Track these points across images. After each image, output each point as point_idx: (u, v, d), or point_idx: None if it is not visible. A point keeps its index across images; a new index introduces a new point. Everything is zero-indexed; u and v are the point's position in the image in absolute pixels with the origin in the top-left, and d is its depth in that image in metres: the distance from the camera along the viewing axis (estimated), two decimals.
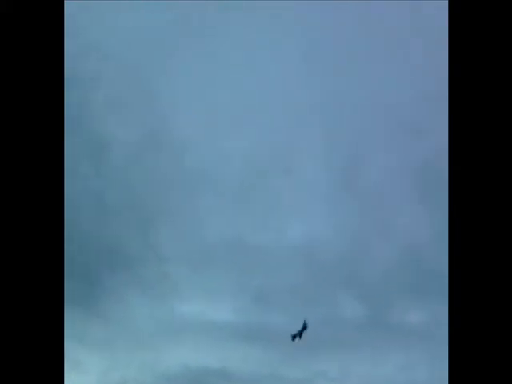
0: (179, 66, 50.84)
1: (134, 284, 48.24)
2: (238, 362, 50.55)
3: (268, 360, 52.69)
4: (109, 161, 49.33)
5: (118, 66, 49.14)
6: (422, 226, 71.89)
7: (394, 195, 72.05)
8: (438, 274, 69.27)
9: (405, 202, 72.60)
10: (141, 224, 49.68)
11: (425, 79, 56.95)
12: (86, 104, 47.39)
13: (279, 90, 53.52)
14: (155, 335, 47.37)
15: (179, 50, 50.01)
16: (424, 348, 69.08)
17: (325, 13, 49.76)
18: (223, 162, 53.01)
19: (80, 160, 46.38)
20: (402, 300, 73.12)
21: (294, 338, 39.61)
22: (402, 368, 65.58)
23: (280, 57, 53.00)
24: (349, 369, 71.21)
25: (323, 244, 72.18)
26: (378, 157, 68.37)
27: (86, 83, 46.90)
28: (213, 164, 52.04)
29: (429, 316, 74.31)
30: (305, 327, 39.27)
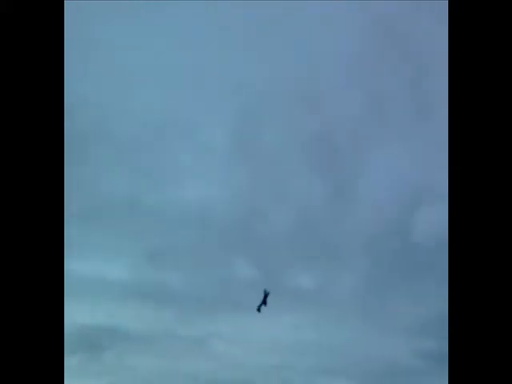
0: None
1: None
2: (132, 320, 50.59)
3: (162, 319, 53.01)
4: None
5: None
6: (315, 192, 74.61)
7: (288, 162, 74.09)
8: (330, 239, 72.44)
9: (299, 168, 74.91)
10: None
11: (319, 54, 58.83)
12: None
13: (188, 55, 53.29)
14: None
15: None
16: (313, 310, 72.22)
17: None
18: (122, 120, 52.21)
19: None
20: (295, 263, 75.69)
21: (259, 309, 40.12)
22: (292, 329, 68.39)
23: (193, 24, 52.92)
24: (242, 329, 73.16)
25: (219, 206, 73.03)
26: (275, 124, 69.88)
27: None
28: (111, 121, 51.11)
29: (320, 280, 77.57)
30: (266, 295, 39.88)
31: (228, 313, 69.20)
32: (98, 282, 48.73)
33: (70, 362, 44.82)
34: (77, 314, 46.06)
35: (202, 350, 59.87)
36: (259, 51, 58.34)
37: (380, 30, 60.65)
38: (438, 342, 69.04)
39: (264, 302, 39.61)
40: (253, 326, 70.18)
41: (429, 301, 67.70)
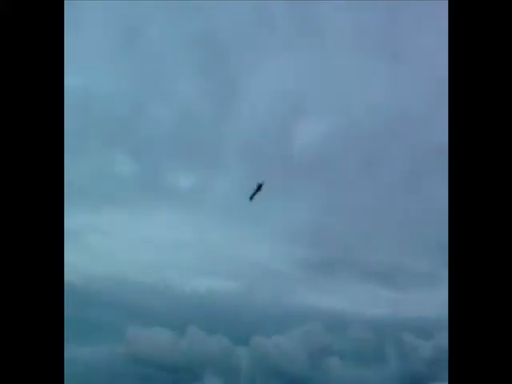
0: None
1: None
2: None
3: None
4: None
5: None
6: (202, 95, 74.27)
7: (174, 60, 72.83)
8: (211, 141, 73.06)
9: (184, 68, 73.87)
10: None
11: None
12: None
13: None
14: None
15: None
16: (190, 210, 73.53)
17: None
18: None
19: None
20: (175, 163, 76.08)
21: (251, 198, 40.17)
22: (169, 227, 69.51)
23: None
24: (120, 225, 73.13)
25: (102, 98, 70.98)
26: (163, 22, 67.97)
27: None
28: None
29: (198, 180, 78.66)
30: (260, 186, 39.93)
31: (106, 207, 68.89)
32: None
33: None
34: None
35: (78, 242, 59.90)
36: None
37: None
38: (309, 251, 73.32)
39: (258, 190, 40.32)
40: (130, 222, 70.55)
41: (303, 210, 71.29)
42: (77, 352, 51.27)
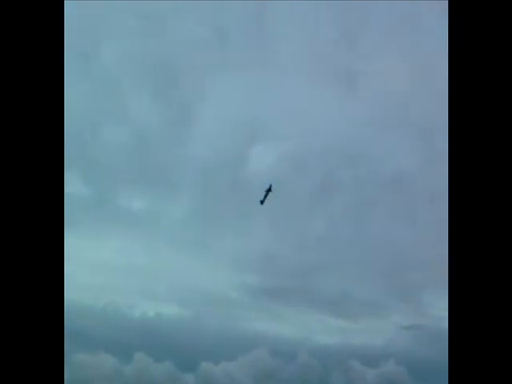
0: None
1: None
2: None
3: None
4: None
5: None
6: (157, 119, 73.98)
7: (128, 82, 72.54)
8: (165, 165, 72.69)
9: (138, 90, 73.60)
10: None
11: None
12: None
13: None
14: None
15: None
16: (142, 234, 72.58)
17: None
18: None
19: None
20: (128, 185, 75.27)
21: (262, 202, 40.21)
22: (121, 251, 68.56)
23: None
24: (69, 246, 71.45)
25: None
26: (118, 43, 67.85)
27: None
28: None
29: (151, 204, 77.78)
30: (270, 188, 40.21)
31: None
32: None
33: None
34: None
35: None
36: None
37: None
38: (260, 278, 73.35)
39: (268, 192, 40.64)
40: (81, 245, 69.17)
41: (255, 237, 71.34)
42: None
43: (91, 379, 54.80)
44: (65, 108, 16.36)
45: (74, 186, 69.40)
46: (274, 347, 60.05)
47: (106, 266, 65.64)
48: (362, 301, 66.86)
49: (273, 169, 66.58)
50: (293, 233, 68.12)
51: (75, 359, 56.53)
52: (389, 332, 64.23)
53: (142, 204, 73.34)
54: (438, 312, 56.94)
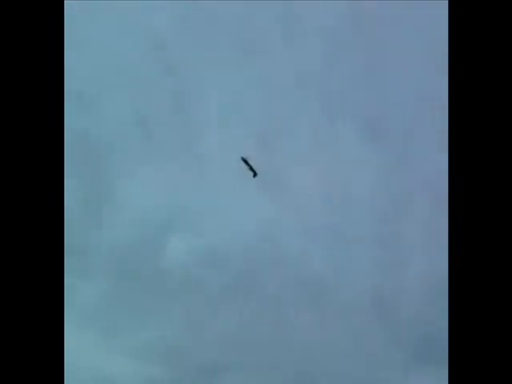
0: None
1: None
2: None
3: None
4: None
5: None
6: (73, 198, 72.47)
7: None
8: (76, 246, 70.55)
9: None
10: None
11: None
12: None
13: None
14: None
15: None
16: None
17: None
18: None
19: None
20: None
21: (254, 174, 37.44)
22: None
23: None
24: None
25: None
26: (109, 106, 67.25)
27: None
28: None
29: (65, 282, 75.23)
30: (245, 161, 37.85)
31: None
32: None
33: None
34: None
35: None
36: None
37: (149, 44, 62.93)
38: (166, 370, 71.03)
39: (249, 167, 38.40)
40: None
41: (162, 327, 69.27)
42: None
43: None
44: None
45: None
46: None
47: None
48: None
49: (188, 261, 65.73)
50: (201, 327, 66.76)
51: None
52: None
53: None
54: None
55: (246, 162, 41.47)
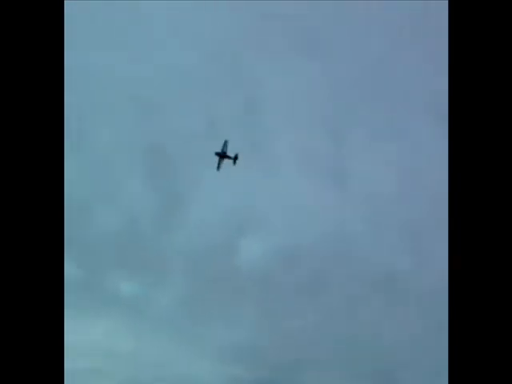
0: None
1: None
2: None
3: None
4: None
5: None
6: (146, 200, 74.43)
7: (122, 166, 73.35)
8: (155, 250, 72.54)
9: (132, 174, 74.32)
10: None
11: None
12: None
13: None
14: None
15: None
16: (130, 319, 71.48)
17: None
18: None
19: None
20: (118, 269, 74.63)
21: (235, 159, 38.91)
22: (107, 334, 67.12)
23: None
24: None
25: None
26: (114, 126, 69.30)
27: None
28: None
29: (140, 289, 76.87)
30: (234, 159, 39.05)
31: None
32: None
33: None
34: None
35: None
36: (104, 56, 58.49)
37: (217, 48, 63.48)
38: (248, 369, 71.75)
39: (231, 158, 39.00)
40: (68, 328, 67.55)
41: (243, 328, 69.97)
42: None
43: None
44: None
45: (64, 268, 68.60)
46: None
47: (91, 349, 64.46)
48: None
49: (263, 261, 66.42)
50: (280, 326, 67.15)
51: None
52: None
53: (130, 288, 72.52)
54: None
55: (221, 155, 40.23)
